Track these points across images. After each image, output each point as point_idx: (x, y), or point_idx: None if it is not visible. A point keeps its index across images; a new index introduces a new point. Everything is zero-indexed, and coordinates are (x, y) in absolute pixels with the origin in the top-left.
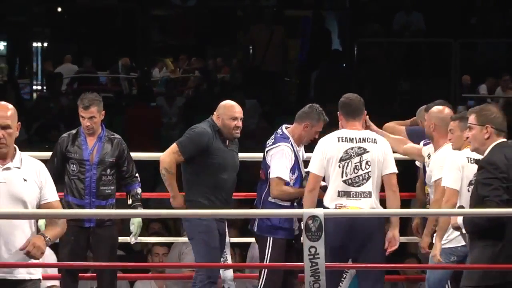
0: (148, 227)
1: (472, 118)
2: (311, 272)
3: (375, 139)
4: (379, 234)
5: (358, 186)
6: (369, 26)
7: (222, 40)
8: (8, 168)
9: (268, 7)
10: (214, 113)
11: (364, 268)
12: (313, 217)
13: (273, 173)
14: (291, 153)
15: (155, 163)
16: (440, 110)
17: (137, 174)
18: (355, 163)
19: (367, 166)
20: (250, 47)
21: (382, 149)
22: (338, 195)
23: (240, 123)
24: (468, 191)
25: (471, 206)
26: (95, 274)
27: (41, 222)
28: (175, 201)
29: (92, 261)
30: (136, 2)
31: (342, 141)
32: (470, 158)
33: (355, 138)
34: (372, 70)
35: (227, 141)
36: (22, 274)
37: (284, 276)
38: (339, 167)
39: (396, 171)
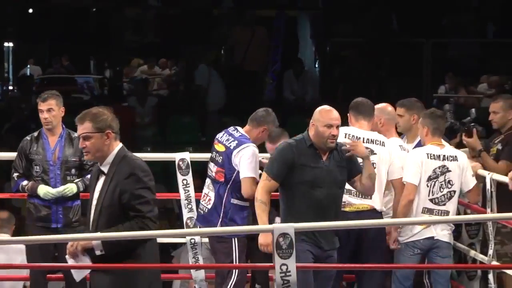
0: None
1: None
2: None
3: (383, 142)
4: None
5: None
6: (342, 26)
7: (198, 40)
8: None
9: (247, 8)
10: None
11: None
12: (284, 235)
13: (246, 173)
14: (257, 153)
15: None
16: (384, 106)
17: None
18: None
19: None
20: (231, 47)
21: (389, 153)
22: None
23: (335, 131)
24: (427, 186)
25: None
26: (62, 275)
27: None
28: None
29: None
30: (110, 2)
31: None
32: (430, 154)
33: (363, 138)
34: (345, 69)
35: (323, 155)
36: None
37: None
38: None
39: (401, 176)
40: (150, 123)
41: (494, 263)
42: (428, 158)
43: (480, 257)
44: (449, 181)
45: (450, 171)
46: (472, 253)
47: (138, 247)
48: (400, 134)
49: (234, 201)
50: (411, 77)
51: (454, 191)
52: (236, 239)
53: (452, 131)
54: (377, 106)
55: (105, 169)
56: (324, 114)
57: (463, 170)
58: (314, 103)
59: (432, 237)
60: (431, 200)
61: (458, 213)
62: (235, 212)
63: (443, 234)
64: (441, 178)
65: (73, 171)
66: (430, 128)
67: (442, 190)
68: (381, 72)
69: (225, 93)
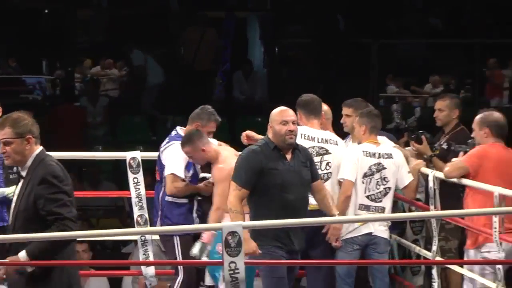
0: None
1: None
2: (232, 285)
3: (336, 141)
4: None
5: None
6: (290, 27)
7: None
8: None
9: (197, 9)
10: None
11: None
12: (233, 233)
13: (167, 170)
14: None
15: (80, 162)
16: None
17: None
18: (316, 162)
19: (328, 168)
20: (182, 48)
21: (343, 152)
22: None
23: (292, 127)
24: (363, 183)
25: None
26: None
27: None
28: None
29: None
30: (62, 3)
31: (304, 139)
32: (366, 152)
33: (317, 138)
34: (293, 70)
35: (288, 155)
36: None
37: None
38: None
39: (347, 177)
40: (101, 123)
41: (438, 258)
42: (364, 155)
43: (424, 253)
44: (384, 178)
45: (385, 168)
46: (417, 249)
47: (60, 251)
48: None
49: (169, 198)
50: (359, 77)
51: (390, 188)
52: (177, 237)
53: (398, 130)
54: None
55: (23, 173)
56: (279, 113)
57: (399, 167)
58: (262, 103)
59: (370, 233)
60: (367, 196)
61: (403, 211)
62: (169, 210)
63: (380, 230)
64: (377, 175)
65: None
66: (367, 127)
67: (378, 187)
68: (329, 73)
69: (177, 92)
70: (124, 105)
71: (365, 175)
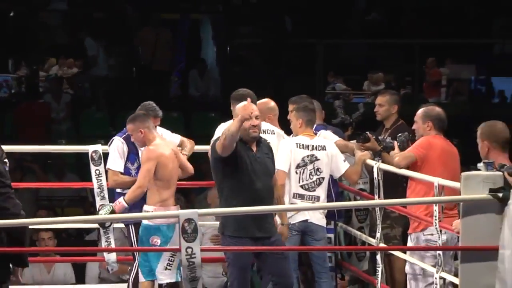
0: (35, 215)
1: None
2: (189, 269)
3: (273, 130)
4: None
5: None
6: (241, 28)
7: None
8: None
9: (152, 11)
10: None
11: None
12: (189, 220)
13: (107, 165)
14: (121, 145)
15: (45, 154)
16: (267, 102)
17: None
18: None
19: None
20: (139, 48)
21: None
22: None
23: (255, 121)
24: (296, 173)
25: None
26: None
27: None
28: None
29: None
30: (25, 7)
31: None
32: (299, 144)
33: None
34: (244, 69)
35: (253, 147)
36: None
37: None
38: None
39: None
40: (64, 118)
41: (382, 245)
42: (297, 147)
43: (369, 239)
44: (317, 169)
45: (318, 159)
46: (363, 236)
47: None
48: None
49: (118, 189)
50: (305, 75)
51: (323, 178)
52: (132, 225)
53: (343, 125)
54: (260, 102)
55: None
56: (242, 109)
57: (332, 158)
58: (216, 99)
59: (306, 220)
60: (301, 186)
61: (349, 200)
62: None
63: (316, 217)
64: (310, 166)
65: None
66: (304, 120)
67: (311, 177)
68: (277, 71)
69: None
70: (85, 100)
71: (298, 166)
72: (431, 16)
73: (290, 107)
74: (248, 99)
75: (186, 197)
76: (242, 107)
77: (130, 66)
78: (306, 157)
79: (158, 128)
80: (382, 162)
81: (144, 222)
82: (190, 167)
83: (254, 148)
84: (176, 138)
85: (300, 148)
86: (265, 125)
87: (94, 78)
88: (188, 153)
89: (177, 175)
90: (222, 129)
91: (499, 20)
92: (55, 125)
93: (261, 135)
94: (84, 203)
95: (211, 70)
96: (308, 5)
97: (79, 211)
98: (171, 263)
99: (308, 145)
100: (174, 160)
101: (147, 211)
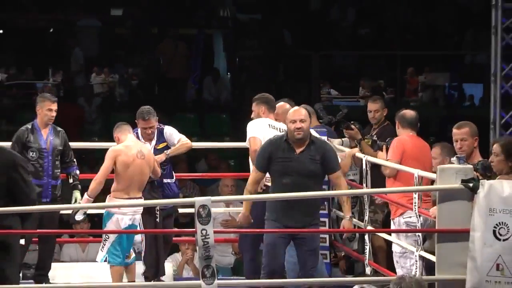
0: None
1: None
2: (204, 248)
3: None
4: None
5: None
6: (248, 42)
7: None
8: None
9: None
10: None
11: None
12: (203, 206)
13: None
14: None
15: (80, 150)
16: (281, 105)
17: (74, 159)
18: None
19: None
20: (160, 58)
21: None
22: None
23: (300, 124)
24: None
25: None
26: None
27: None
28: (243, 217)
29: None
30: (63, 24)
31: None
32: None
33: (279, 127)
34: (250, 76)
35: (297, 146)
36: None
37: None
38: None
39: None
40: (96, 119)
41: (369, 228)
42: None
43: (358, 223)
44: None
45: None
46: (354, 220)
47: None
48: None
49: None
50: (302, 82)
51: None
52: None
53: (330, 124)
54: (278, 105)
55: None
56: (289, 113)
57: None
58: (227, 102)
59: None
60: None
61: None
62: None
63: None
64: None
65: (58, 157)
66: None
67: None
68: (278, 78)
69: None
70: (115, 103)
71: None
72: (411, 31)
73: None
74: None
75: (200, 186)
76: (291, 113)
77: (151, 74)
78: None
79: (168, 127)
80: (360, 150)
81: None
82: (156, 171)
83: (299, 149)
84: (176, 138)
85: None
86: (281, 125)
87: (121, 85)
88: (169, 152)
89: (139, 172)
90: (251, 126)
91: (469, 34)
92: (88, 125)
93: (276, 132)
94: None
95: (222, 77)
96: (305, 21)
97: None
98: (103, 245)
99: None
100: (135, 159)
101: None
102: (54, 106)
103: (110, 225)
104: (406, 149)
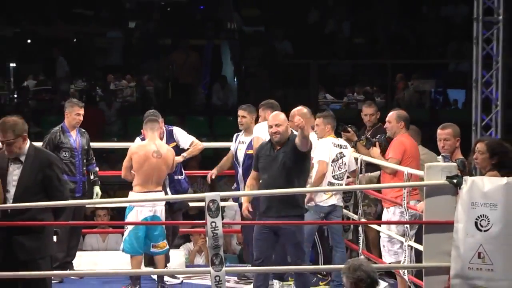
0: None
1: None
2: (213, 239)
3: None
4: None
5: None
6: (252, 51)
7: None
8: None
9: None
10: None
11: None
12: (213, 200)
13: None
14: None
15: (101, 149)
16: (299, 109)
17: (93, 157)
18: None
19: None
20: (173, 66)
21: None
22: None
23: (275, 129)
24: (331, 166)
25: None
26: None
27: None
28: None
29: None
30: (86, 35)
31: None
32: (334, 143)
33: None
34: (254, 83)
35: (276, 146)
36: None
37: None
38: None
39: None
40: (115, 121)
41: (363, 220)
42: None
43: (353, 215)
44: (344, 163)
45: (344, 156)
46: (348, 213)
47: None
48: None
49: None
50: (302, 88)
51: (346, 170)
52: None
53: None
54: (295, 109)
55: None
56: (269, 118)
57: (350, 155)
58: (234, 106)
59: (334, 204)
60: (333, 176)
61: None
62: None
63: (339, 201)
64: (340, 161)
65: (85, 156)
66: (331, 125)
67: (340, 169)
68: (280, 84)
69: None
70: (133, 108)
71: (333, 161)
72: (400, 42)
73: (242, 113)
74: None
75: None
76: (271, 117)
77: (165, 81)
78: (338, 154)
79: (176, 128)
80: (356, 150)
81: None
82: (173, 168)
83: (277, 148)
84: (189, 140)
85: (335, 147)
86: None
87: (137, 90)
88: (186, 155)
89: (155, 169)
90: (257, 129)
91: (452, 45)
92: (108, 126)
93: None
94: (130, 187)
95: (230, 84)
96: (304, 32)
97: (127, 194)
98: (123, 236)
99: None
100: (149, 157)
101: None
102: (82, 111)
103: (130, 217)
104: (406, 149)
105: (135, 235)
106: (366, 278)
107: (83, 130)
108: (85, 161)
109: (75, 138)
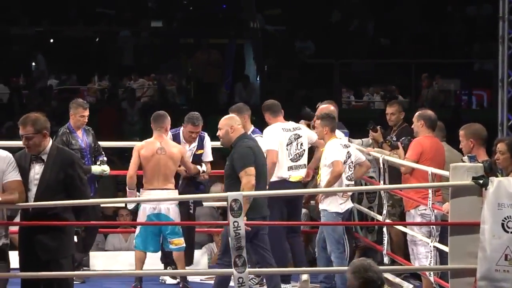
0: (116, 196)
1: None
2: (236, 240)
3: (299, 127)
4: None
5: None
6: (275, 51)
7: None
8: None
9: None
10: None
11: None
12: (235, 200)
13: None
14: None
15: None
16: (326, 107)
17: (102, 151)
18: (292, 145)
19: (302, 146)
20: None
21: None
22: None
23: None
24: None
25: None
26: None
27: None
28: None
29: None
30: (108, 34)
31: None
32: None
33: (290, 127)
34: (277, 82)
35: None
36: None
37: None
38: (286, 149)
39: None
40: (137, 121)
41: (387, 221)
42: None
43: (377, 216)
44: (352, 162)
45: (351, 155)
46: (371, 213)
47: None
48: None
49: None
50: (325, 88)
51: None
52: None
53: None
54: (322, 107)
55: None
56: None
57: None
58: (256, 106)
59: (349, 210)
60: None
61: (361, 185)
62: None
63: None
64: (348, 161)
65: (93, 154)
66: (330, 127)
67: (350, 169)
68: (302, 84)
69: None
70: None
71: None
72: (424, 41)
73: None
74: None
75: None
76: None
77: (188, 80)
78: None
79: (207, 138)
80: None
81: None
82: (189, 168)
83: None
84: (210, 157)
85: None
86: (293, 124)
87: (160, 89)
88: (207, 176)
89: (160, 165)
90: (266, 134)
91: (477, 45)
92: (130, 126)
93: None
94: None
95: (252, 83)
96: (327, 32)
97: None
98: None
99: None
100: (154, 154)
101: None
102: (86, 112)
103: (139, 215)
104: (424, 151)
105: (142, 232)
106: (377, 279)
107: (88, 127)
108: (92, 159)
109: (82, 138)
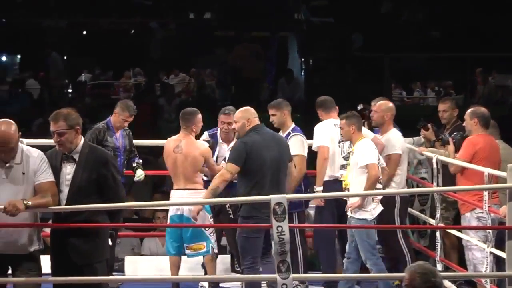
0: (152, 198)
1: None
2: (279, 245)
3: None
4: None
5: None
6: (321, 44)
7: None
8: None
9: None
10: None
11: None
12: (279, 203)
13: None
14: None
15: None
16: (384, 103)
17: (137, 154)
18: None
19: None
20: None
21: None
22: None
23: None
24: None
25: None
26: None
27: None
28: None
29: None
30: (144, 27)
31: (337, 127)
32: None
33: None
34: (323, 77)
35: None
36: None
37: None
38: (339, 146)
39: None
40: (175, 118)
41: (441, 224)
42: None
43: (429, 220)
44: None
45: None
46: (423, 217)
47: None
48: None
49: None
50: (374, 83)
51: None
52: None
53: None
54: (380, 103)
55: (75, 156)
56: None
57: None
58: (300, 102)
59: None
60: None
61: (412, 187)
62: None
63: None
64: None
65: (127, 155)
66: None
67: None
68: (349, 79)
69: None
70: (192, 104)
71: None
72: (480, 34)
73: (271, 111)
74: None
75: None
76: None
77: (228, 75)
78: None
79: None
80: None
81: None
82: (213, 170)
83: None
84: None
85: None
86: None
87: (199, 85)
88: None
89: (177, 164)
90: (318, 130)
91: None
92: (167, 123)
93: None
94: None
95: (296, 78)
96: (376, 24)
97: None
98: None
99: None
100: (170, 152)
101: None
102: (131, 119)
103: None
104: (477, 150)
105: (168, 235)
106: (440, 285)
107: (126, 128)
108: (126, 162)
109: (119, 138)
